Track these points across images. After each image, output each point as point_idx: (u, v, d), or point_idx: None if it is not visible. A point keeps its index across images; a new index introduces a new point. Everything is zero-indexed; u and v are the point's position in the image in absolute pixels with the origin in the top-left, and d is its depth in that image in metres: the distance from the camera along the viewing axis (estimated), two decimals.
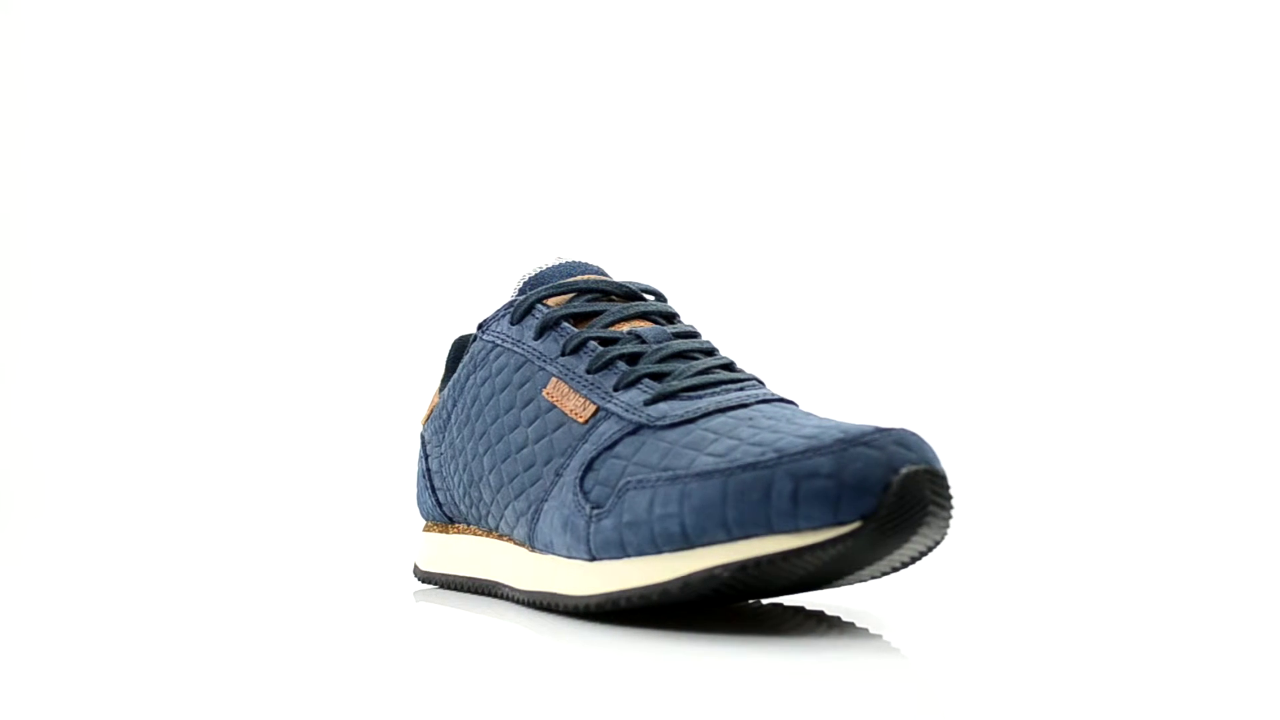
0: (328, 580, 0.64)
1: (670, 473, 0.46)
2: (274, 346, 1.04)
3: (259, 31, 1.07)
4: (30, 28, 1.03)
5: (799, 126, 1.10)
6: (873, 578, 0.48)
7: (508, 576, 0.54)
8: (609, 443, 0.49)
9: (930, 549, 0.47)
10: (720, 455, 0.45)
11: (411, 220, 1.07)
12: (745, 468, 0.44)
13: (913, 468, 0.43)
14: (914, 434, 0.44)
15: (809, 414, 0.49)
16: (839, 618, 0.51)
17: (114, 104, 1.06)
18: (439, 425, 0.59)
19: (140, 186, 1.06)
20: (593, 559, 0.48)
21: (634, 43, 1.09)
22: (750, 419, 0.47)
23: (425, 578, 0.60)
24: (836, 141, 1.10)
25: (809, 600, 0.54)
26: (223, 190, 1.07)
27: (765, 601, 0.53)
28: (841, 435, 0.44)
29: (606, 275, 0.57)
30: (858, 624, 0.50)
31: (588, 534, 0.48)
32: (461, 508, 0.57)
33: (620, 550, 0.47)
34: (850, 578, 0.47)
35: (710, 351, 0.53)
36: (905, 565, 0.48)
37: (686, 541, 0.45)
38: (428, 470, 0.60)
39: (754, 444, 0.45)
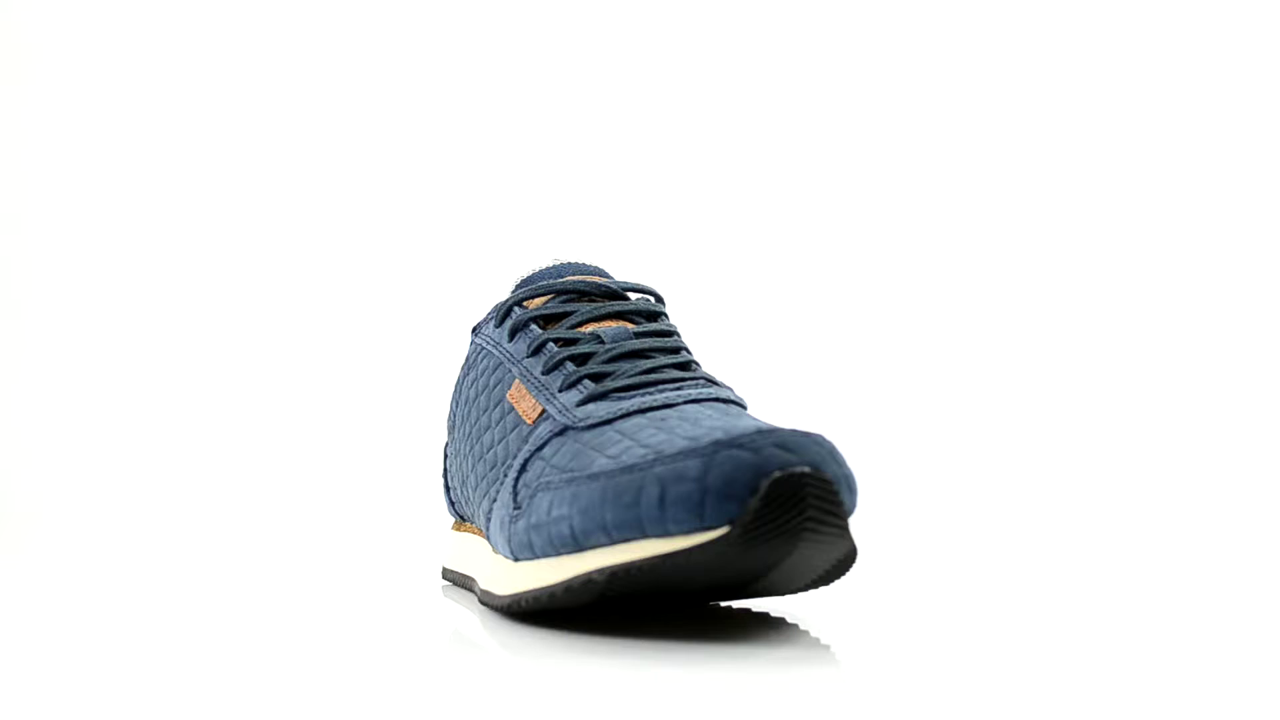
0: (362, 578, 0.66)
1: (570, 474, 0.46)
2: (319, 347, 1.02)
3: (258, 34, 1.06)
4: (30, 27, 1.03)
5: (800, 128, 1.06)
6: (801, 587, 0.46)
7: (477, 574, 0.55)
8: (539, 444, 0.49)
9: (843, 558, 0.44)
10: (614, 457, 0.44)
11: (452, 220, 1.05)
12: (625, 470, 0.43)
13: (788, 471, 0.41)
14: (805, 435, 0.42)
15: (736, 415, 0.47)
16: (796, 626, 0.49)
17: (116, 104, 1.05)
18: (449, 426, 0.60)
19: (149, 201, 1.05)
20: (515, 559, 0.48)
21: (643, 45, 1.07)
22: (663, 419, 0.46)
23: (445, 574, 0.62)
24: (838, 141, 1.06)
25: (774, 606, 0.52)
26: (240, 194, 1.05)
27: (737, 605, 0.52)
28: (720, 437, 0.42)
29: (604, 275, 0.57)
30: (811, 632, 0.48)
31: (509, 534, 0.48)
32: (463, 505, 0.59)
33: (530, 551, 0.47)
34: (761, 585, 0.45)
35: (674, 351, 0.52)
36: (828, 575, 0.45)
37: (576, 544, 0.44)
38: (445, 470, 0.61)
39: (644, 445, 0.44)
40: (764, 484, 0.40)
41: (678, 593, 0.46)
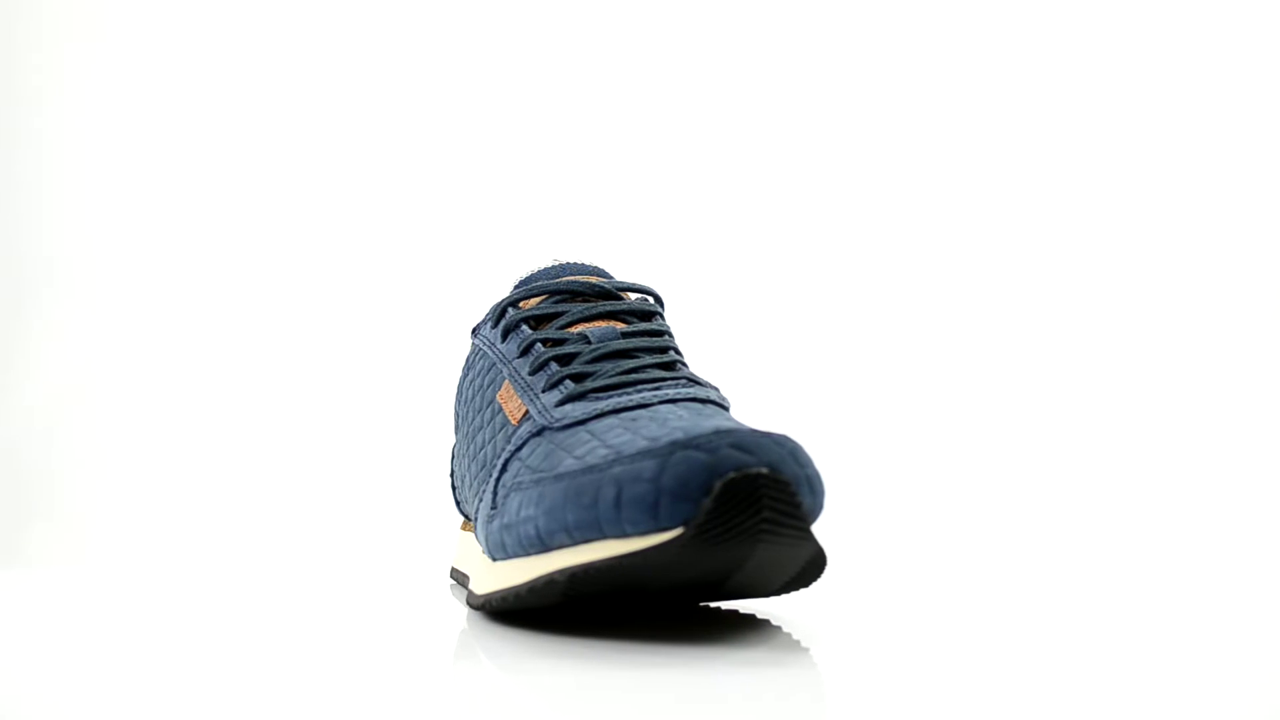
0: (376, 578, 0.67)
1: (539, 475, 0.46)
2: (329, 350, 1.02)
3: (258, 36, 1.05)
4: (30, 27, 1.03)
5: (798, 130, 1.04)
6: (775, 589, 0.46)
7: (471, 573, 0.55)
8: (519, 445, 0.49)
9: (812, 560, 0.44)
10: (580, 458, 0.44)
11: (460, 221, 1.04)
12: (588, 470, 0.43)
13: (744, 472, 0.40)
14: (764, 435, 0.42)
15: (708, 415, 0.46)
16: (779, 628, 0.49)
17: (115, 107, 1.05)
18: (454, 426, 0.60)
19: (150, 206, 1.04)
20: (493, 559, 0.48)
21: (642, 46, 1.05)
22: (634, 419, 0.46)
23: (451, 573, 0.62)
24: (840, 141, 1.03)
25: (758, 608, 0.51)
26: (245, 199, 1.04)
27: (726, 606, 0.52)
28: (679, 437, 0.41)
29: (604, 276, 0.57)
30: (793, 635, 0.48)
31: (487, 534, 0.48)
32: (465, 504, 0.59)
33: (504, 551, 0.47)
34: (730, 586, 0.45)
35: (661, 351, 0.52)
36: (801, 576, 0.45)
37: (542, 545, 0.44)
38: (452, 470, 0.62)
39: (608, 446, 0.44)
40: (718, 485, 0.40)
41: (642, 593, 0.45)
